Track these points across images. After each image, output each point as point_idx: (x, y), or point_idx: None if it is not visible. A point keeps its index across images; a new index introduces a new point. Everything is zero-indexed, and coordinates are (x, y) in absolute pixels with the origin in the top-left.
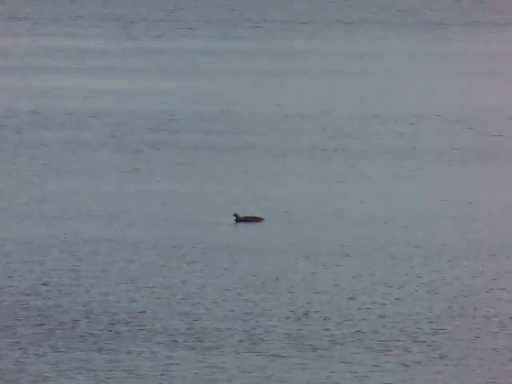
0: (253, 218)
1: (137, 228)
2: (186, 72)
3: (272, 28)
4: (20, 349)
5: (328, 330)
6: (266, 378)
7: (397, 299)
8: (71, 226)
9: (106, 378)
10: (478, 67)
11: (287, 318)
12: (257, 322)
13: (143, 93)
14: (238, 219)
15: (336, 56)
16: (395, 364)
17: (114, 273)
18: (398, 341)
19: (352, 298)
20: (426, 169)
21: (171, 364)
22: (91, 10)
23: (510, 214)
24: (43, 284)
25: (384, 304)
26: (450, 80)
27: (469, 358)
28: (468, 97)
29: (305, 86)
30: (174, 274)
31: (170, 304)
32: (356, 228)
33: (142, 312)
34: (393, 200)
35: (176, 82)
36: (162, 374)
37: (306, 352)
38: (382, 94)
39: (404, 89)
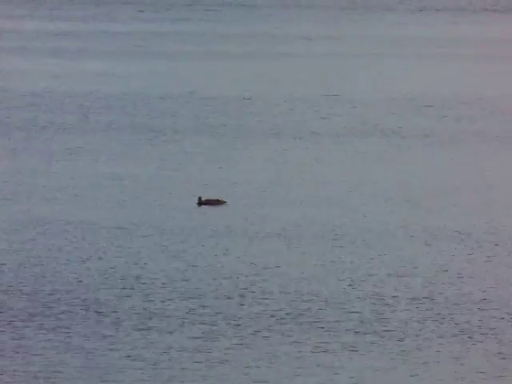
0: (215, 200)
1: (95, 210)
2: (153, 54)
3: (239, 11)
4: None
5: (271, 310)
6: (209, 358)
7: (353, 281)
8: (26, 207)
9: (55, 356)
10: (436, 51)
11: (231, 298)
12: (196, 302)
13: (111, 75)
14: (201, 202)
15: (299, 39)
16: (338, 345)
17: (65, 253)
18: (344, 323)
19: (303, 280)
20: (390, 151)
21: (116, 343)
22: None
23: (477, 198)
24: None
25: (338, 286)
26: (412, 63)
27: (410, 340)
28: (431, 80)
29: (271, 68)
30: (127, 255)
31: (119, 285)
32: (313, 211)
33: (89, 292)
34: (353, 183)
35: (143, 65)
36: (106, 354)
37: (248, 332)
38: (345, 76)
39: (367, 72)
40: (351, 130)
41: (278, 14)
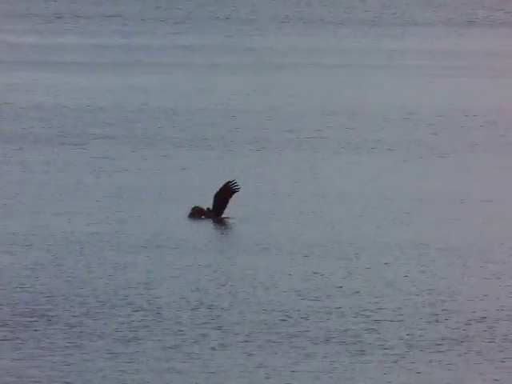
0: (207, 211)
1: (78, 224)
2: (141, 67)
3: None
4: None
5: (257, 321)
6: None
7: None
8: (20, 221)
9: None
10: (420, 65)
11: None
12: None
13: (111, 88)
14: (194, 211)
15: (289, 52)
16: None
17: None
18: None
19: (268, 290)
20: (381, 164)
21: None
22: (47, 6)
23: (458, 209)
24: None
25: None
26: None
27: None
28: (420, 94)
29: (259, 81)
30: (98, 269)
31: (73, 299)
32: (310, 225)
33: (45, 305)
34: (349, 197)
35: (147, 78)
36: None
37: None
38: (336, 89)
39: (357, 84)
40: (349, 143)
41: (271, 28)
